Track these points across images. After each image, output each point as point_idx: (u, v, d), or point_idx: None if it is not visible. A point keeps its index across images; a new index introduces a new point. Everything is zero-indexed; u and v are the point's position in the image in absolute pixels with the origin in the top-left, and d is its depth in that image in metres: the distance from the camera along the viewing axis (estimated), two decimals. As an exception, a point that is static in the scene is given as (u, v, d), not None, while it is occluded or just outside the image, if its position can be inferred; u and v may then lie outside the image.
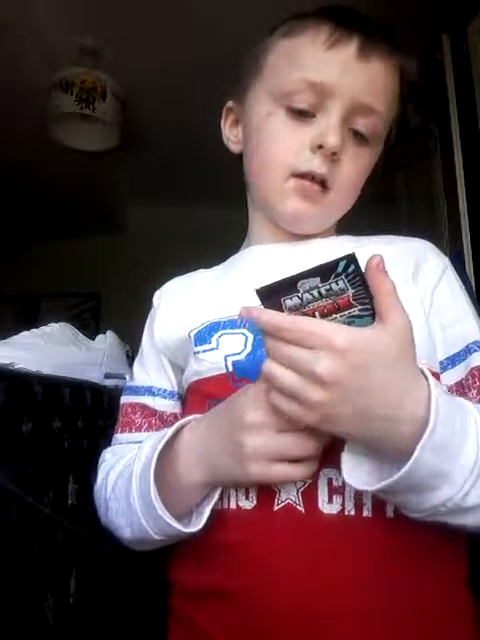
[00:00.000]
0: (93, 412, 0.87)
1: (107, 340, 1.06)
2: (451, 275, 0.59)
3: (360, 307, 0.39)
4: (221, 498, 0.51)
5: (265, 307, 0.40)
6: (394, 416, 0.40)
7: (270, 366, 0.41)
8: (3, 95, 1.98)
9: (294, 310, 0.39)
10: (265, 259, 0.62)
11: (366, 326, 0.39)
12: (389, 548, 0.47)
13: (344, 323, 0.39)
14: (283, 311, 0.39)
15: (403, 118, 0.64)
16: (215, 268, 0.70)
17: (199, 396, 0.60)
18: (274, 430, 0.45)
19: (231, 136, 0.67)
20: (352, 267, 0.37)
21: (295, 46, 0.58)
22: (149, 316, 0.69)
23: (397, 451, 0.40)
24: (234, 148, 0.66)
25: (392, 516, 0.47)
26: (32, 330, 0.91)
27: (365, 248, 0.59)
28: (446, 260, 0.60)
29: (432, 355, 0.54)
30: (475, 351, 0.53)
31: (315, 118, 0.56)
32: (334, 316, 0.39)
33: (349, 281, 0.38)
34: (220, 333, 0.57)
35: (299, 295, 0.39)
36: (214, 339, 0.58)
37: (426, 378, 0.41)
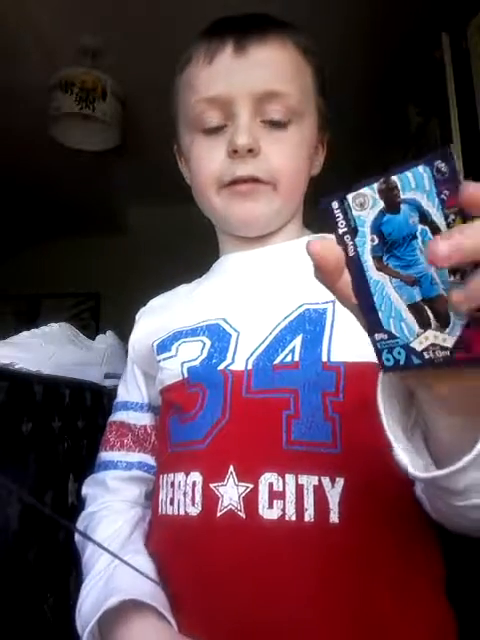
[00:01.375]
0: (93, 412, 0.87)
1: (107, 340, 1.06)
2: None
3: None
4: (172, 504, 0.52)
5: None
6: None
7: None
8: (3, 95, 1.98)
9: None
10: (233, 267, 0.64)
11: None
12: (332, 555, 0.46)
13: None
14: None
15: (322, 79, 0.63)
16: (194, 281, 0.72)
17: (164, 405, 0.61)
18: None
19: (186, 172, 0.69)
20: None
21: (187, 76, 0.61)
22: None
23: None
24: (190, 182, 0.68)
25: (337, 522, 0.46)
26: (32, 330, 0.91)
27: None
28: None
29: None
30: None
31: (227, 127, 0.58)
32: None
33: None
34: (181, 341, 0.59)
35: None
36: (174, 347, 0.59)
37: None
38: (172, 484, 0.53)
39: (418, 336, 0.27)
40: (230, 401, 0.52)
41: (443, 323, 0.26)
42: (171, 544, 0.52)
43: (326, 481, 0.47)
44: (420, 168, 0.24)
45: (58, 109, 1.90)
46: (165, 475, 0.55)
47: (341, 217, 0.27)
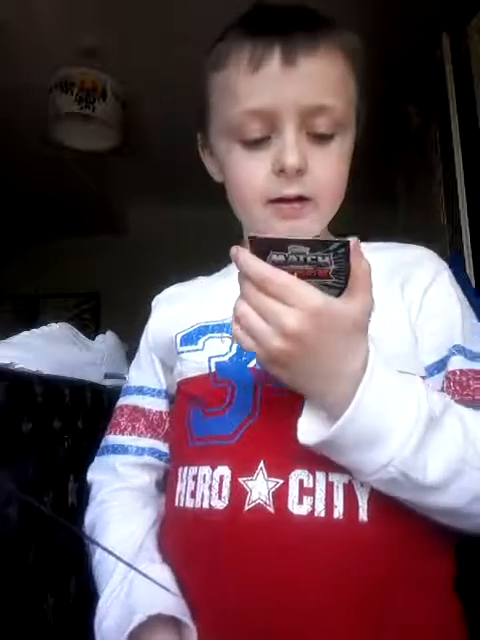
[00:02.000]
0: (93, 412, 0.87)
1: (107, 340, 1.06)
2: (445, 279, 0.58)
3: (334, 279, 0.43)
4: (194, 497, 0.52)
5: (252, 253, 0.43)
6: (335, 374, 0.43)
7: (243, 306, 0.43)
8: (3, 95, 1.98)
9: (277, 265, 0.42)
10: None
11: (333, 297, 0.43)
12: (360, 553, 0.46)
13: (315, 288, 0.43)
14: (266, 263, 0.43)
15: (362, 78, 0.60)
16: (214, 274, 0.71)
17: (182, 397, 0.61)
18: None
19: (211, 167, 0.66)
20: (342, 250, 0.41)
21: (225, 79, 0.57)
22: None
23: (334, 406, 0.43)
24: (217, 179, 0.66)
25: (366, 520, 0.47)
26: (32, 330, 0.91)
27: None
28: (442, 265, 0.60)
29: (414, 363, 0.54)
30: (453, 355, 0.53)
31: (271, 139, 0.55)
32: (309, 281, 0.43)
33: (334, 258, 0.41)
34: (208, 336, 0.59)
35: (286, 255, 0.42)
36: (201, 341, 0.59)
37: (368, 350, 0.44)
38: (194, 477, 0.53)
39: None
40: (260, 398, 0.52)
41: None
42: (190, 537, 0.52)
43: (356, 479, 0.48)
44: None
45: (58, 109, 1.90)
46: (186, 467, 0.55)
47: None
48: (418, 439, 0.42)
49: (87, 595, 0.75)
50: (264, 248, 0.42)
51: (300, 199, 0.56)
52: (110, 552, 0.52)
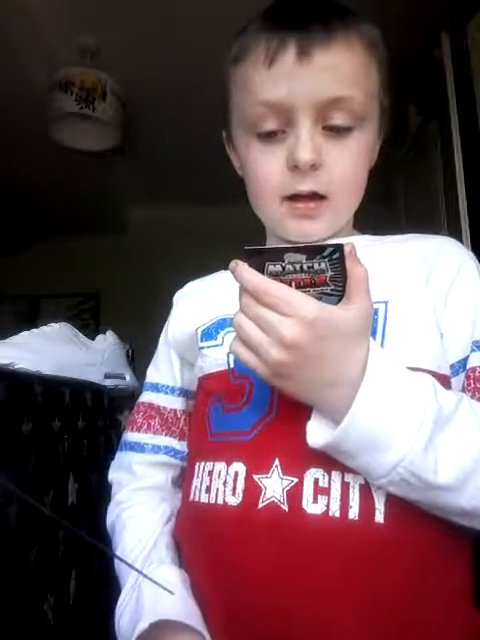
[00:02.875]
0: (93, 412, 0.87)
1: (107, 340, 1.06)
2: (471, 270, 0.56)
3: (333, 287, 0.43)
4: (208, 492, 0.52)
5: (248, 265, 0.43)
6: (335, 380, 0.43)
7: (241, 319, 0.44)
8: (3, 95, 1.98)
9: (274, 276, 0.43)
10: None
11: (332, 304, 0.44)
12: (374, 555, 0.46)
13: (314, 297, 0.43)
14: (264, 274, 0.43)
15: (385, 68, 0.59)
16: None
17: (202, 392, 0.61)
18: None
19: (235, 162, 0.66)
20: (337, 254, 0.41)
21: (244, 73, 0.57)
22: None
23: (336, 412, 0.43)
24: (240, 174, 0.66)
25: (382, 522, 0.46)
26: (32, 330, 0.91)
27: (377, 247, 0.59)
28: (467, 254, 0.58)
29: (441, 360, 0.53)
30: (473, 351, 0.52)
31: (286, 134, 0.55)
32: (308, 289, 0.43)
33: (331, 264, 0.42)
34: (227, 330, 0.58)
35: (282, 264, 0.42)
36: (220, 336, 0.58)
37: (368, 354, 0.44)
38: (210, 473, 0.53)
39: None
40: (278, 396, 0.52)
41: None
42: (204, 532, 0.52)
43: None
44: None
45: (58, 109, 1.90)
46: (203, 463, 0.55)
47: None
48: (426, 439, 0.42)
49: (87, 595, 0.75)
50: (259, 259, 0.43)
51: (314, 196, 0.56)
52: (116, 556, 0.52)
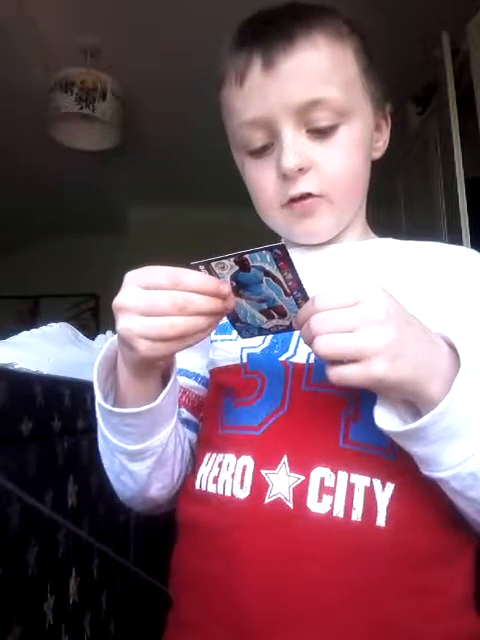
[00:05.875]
0: (93, 412, 0.87)
1: (107, 340, 1.06)
2: None
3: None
4: (216, 483, 0.52)
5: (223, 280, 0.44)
6: (432, 353, 0.42)
7: (323, 343, 0.41)
8: (3, 95, 1.98)
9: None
10: (296, 264, 0.62)
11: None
12: (373, 556, 0.46)
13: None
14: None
15: (365, 52, 0.58)
16: None
17: (214, 385, 0.61)
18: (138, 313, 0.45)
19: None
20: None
21: (225, 97, 0.58)
22: None
23: (436, 395, 0.41)
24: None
25: (383, 525, 0.46)
26: (32, 330, 0.91)
27: (394, 255, 0.59)
28: None
29: None
30: None
31: (274, 145, 0.56)
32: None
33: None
34: None
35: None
36: (234, 330, 0.58)
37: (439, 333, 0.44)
38: (220, 464, 0.53)
39: (266, 323, 0.48)
40: (290, 392, 0.52)
41: (282, 315, 0.47)
42: (208, 522, 0.52)
43: (377, 483, 0.47)
44: (263, 252, 0.41)
45: (58, 109, 1.90)
46: (213, 454, 0.55)
47: (207, 273, 0.44)
48: None
49: (87, 595, 0.75)
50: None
51: (310, 196, 0.56)
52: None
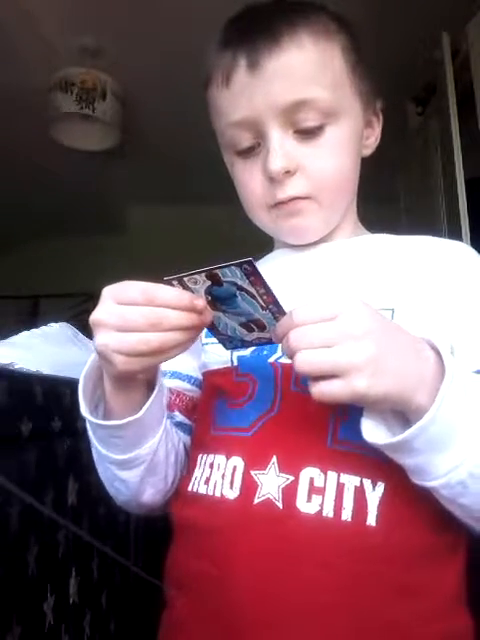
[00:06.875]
0: (93, 412, 0.87)
1: (107, 340, 1.06)
2: None
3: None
4: (207, 484, 0.53)
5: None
6: (415, 365, 0.41)
7: (303, 360, 0.40)
8: (3, 95, 1.98)
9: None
10: (285, 265, 0.62)
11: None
12: (364, 556, 0.46)
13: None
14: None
15: (353, 50, 0.57)
16: None
17: (207, 387, 0.61)
18: (113, 329, 0.46)
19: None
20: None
21: (213, 97, 0.58)
22: None
23: (423, 404, 0.41)
24: None
25: (373, 524, 0.46)
26: (32, 330, 0.92)
27: (386, 250, 0.59)
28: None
29: None
30: None
31: (261, 146, 0.55)
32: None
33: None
34: None
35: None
36: None
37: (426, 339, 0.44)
38: (211, 465, 0.54)
39: (247, 335, 0.48)
40: (280, 394, 0.52)
41: (262, 328, 0.46)
42: (199, 522, 0.53)
43: (367, 483, 0.47)
44: (233, 267, 0.41)
45: (58, 109, 1.90)
46: (205, 455, 0.55)
47: (180, 287, 0.44)
48: None
49: (87, 595, 0.75)
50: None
51: (297, 198, 0.56)
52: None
